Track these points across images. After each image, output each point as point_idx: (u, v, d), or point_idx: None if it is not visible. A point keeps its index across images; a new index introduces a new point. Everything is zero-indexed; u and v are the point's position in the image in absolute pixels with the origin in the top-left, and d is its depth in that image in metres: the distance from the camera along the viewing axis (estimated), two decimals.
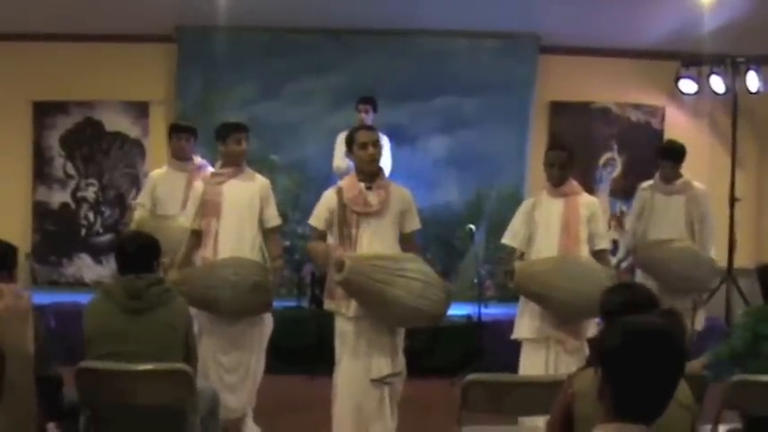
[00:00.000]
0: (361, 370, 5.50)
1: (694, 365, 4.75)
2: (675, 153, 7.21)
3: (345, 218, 5.59)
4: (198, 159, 7.17)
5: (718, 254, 7.60)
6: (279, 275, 6.49)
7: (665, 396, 2.56)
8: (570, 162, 6.21)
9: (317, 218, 5.73)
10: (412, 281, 5.30)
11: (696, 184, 7.34)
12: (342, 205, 5.59)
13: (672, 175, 7.18)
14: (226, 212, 6.08)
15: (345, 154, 6.09)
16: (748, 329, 5.03)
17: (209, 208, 6.10)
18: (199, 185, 6.24)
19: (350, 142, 5.72)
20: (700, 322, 7.08)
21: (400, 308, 5.31)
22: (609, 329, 2.81)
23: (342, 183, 5.78)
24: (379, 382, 5.50)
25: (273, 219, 6.30)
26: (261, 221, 6.21)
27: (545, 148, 6.90)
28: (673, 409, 2.63)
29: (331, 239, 5.79)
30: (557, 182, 6.16)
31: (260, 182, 6.28)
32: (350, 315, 5.51)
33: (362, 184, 5.63)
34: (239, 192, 6.15)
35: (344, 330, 5.58)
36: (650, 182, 7.42)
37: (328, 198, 5.71)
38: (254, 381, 6.15)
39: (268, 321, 6.24)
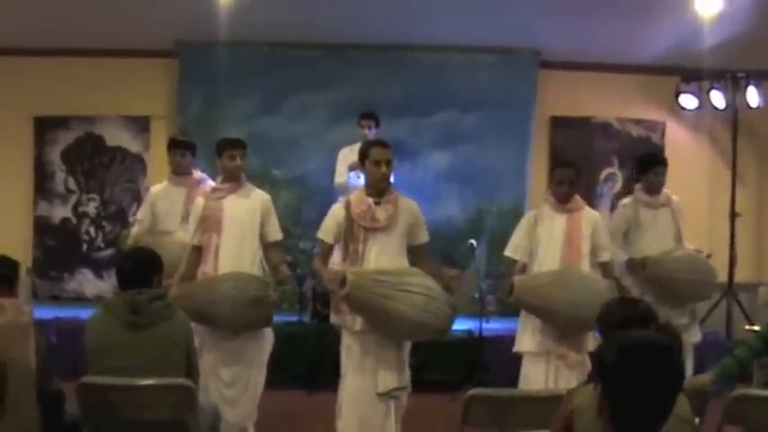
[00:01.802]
0: (367, 384, 5.49)
1: (702, 380, 4.74)
2: (663, 158, 7.16)
3: (353, 233, 5.59)
4: (198, 174, 7.16)
5: (719, 269, 7.56)
6: (290, 280, 6.48)
7: (664, 411, 2.57)
8: (578, 178, 6.27)
9: (326, 232, 5.74)
10: (415, 295, 5.29)
11: (674, 196, 7.19)
12: (349, 220, 5.60)
13: (663, 182, 7.06)
14: (226, 227, 6.07)
15: (357, 166, 6.07)
16: (761, 339, 4.97)
17: (209, 223, 6.09)
18: (200, 201, 6.24)
19: (363, 156, 5.72)
20: (695, 335, 7.04)
21: (404, 322, 5.32)
22: (607, 345, 2.82)
23: (350, 197, 5.78)
24: (386, 396, 5.50)
25: (274, 233, 6.30)
26: (262, 236, 6.21)
27: (546, 163, 6.92)
28: (672, 424, 2.64)
29: (338, 253, 5.79)
30: (564, 198, 6.17)
31: (260, 197, 6.28)
32: (356, 329, 5.51)
33: (371, 200, 5.63)
34: (239, 207, 6.15)
35: (350, 344, 5.58)
36: (629, 198, 7.22)
37: (336, 212, 5.73)
38: (255, 395, 6.12)
39: (268, 336, 6.23)
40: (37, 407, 4.21)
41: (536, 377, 5.99)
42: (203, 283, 5.99)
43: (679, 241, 7.05)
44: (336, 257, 5.98)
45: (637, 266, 6.80)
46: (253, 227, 6.15)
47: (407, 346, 5.71)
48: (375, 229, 5.59)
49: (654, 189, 7.05)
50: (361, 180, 6.08)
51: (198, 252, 6.11)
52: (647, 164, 7.11)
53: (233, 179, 6.20)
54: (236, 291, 5.80)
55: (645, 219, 7.02)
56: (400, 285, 5.30)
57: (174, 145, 7.22)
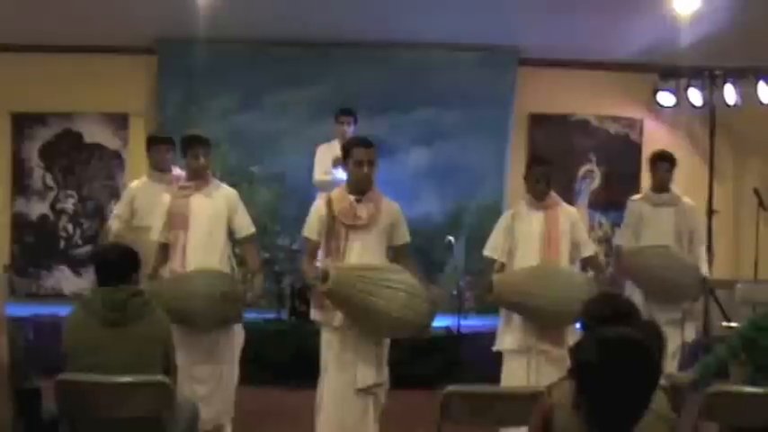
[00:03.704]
0: (347, 380, 5.49)
1: (683, 378, 4.78)
2: (670, 156, 7.25)
3: (334, 229, 5.58)
4: (177, 171, 7.15)
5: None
6: (260, 288, 6.42)
7: (640, 408, 2.58)
8: (552, 175, 6.28)
9: (311, 229, 5.72)
10: (397, 292, 5.30)
11: (685, 198, 7.34)
12: (331, 216, 5.59)
13: (667, 179, 7.19)
14: (193, 225, 6.06)
15: (341, 163, 6.06)
16: (739, 337, 4.99)
17: (176, 221, 6.08)
18: (166, 198, 6.22)
19: (346, 153, 5.70)
20: (689, 334, 7.10)
21: (385, 318, 5.32)
22: (583, 341, 2.84)
23: (332, 194, 5.76)
24: (365, 391, 5.50)
25: (246, 228, 6.28)
26: (233, 232, 6.20)
27: (524, 160, 6.93)
28: (650, 420, 2.65)
29: (320, 250, 5.78)
30: (541, 196, 6.19)
31: (226, 192, 6.26)
32: (335, 325, 5.51)
33: (352, 197, 5.62)
34: (206, 204, 6.13)
35: (330, 340, 5.58)
36: (639, 195, 7.45)
37: (318, 208, 5.71)
38: (229, 391, 6.13)
39: (239, 332, 6.25)
40: (12, 404, 4.19)
41: (518, 373, 6.01)
42: (172, 281, 5.99)
43: (680, 243, 7.15)
44: (319, 254, 5.97)
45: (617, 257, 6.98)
46: (219, 224, 6.14)
47: (387, 342, 5.71)
48: (356, 227, 5.58)
49: (657, 185, 7.24)
50: (343, 175, 6.05)
51: (165, 249, 6.11)
52: (652, 160, 7.30)
53: (198, 177, 6.19)
54: (205, 287, 5.80)
55: (647, 215, 7.21)
56: (382, 282, 5.31)
57: (158, 141, 7.22)
